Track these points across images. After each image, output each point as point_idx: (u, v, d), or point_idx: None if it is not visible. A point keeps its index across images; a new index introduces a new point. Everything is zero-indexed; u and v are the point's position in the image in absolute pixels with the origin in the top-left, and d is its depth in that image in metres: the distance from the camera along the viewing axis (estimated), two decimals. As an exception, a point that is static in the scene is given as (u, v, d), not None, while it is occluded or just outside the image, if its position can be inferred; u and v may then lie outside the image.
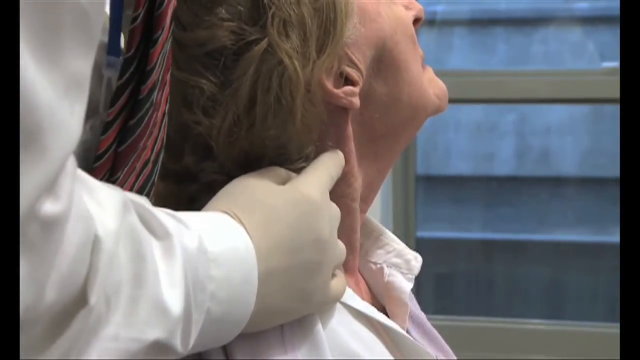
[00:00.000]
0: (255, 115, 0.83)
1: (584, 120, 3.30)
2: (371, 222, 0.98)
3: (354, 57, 0.87)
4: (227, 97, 0.83)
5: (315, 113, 0.85)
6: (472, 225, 3.37)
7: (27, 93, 0.53)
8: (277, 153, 0.85)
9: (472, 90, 2.59)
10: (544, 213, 3.28)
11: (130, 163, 0.75)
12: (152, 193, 0.79)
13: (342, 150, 0.88)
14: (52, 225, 0.56)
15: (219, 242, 0.74)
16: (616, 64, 2.48)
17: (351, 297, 0.87)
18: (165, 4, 0.75)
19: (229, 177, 0.84)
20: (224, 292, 0.73)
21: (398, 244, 0.98)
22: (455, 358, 0.98)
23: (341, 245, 0.85)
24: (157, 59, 0.75)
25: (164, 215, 0.71)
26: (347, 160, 0.88)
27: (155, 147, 0.78)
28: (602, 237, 3.20)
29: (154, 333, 0.66)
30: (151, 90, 0.75)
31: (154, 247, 0.68)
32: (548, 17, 3.12)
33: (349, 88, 0.87)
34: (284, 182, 0.83)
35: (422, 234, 2.88)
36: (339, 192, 0.87)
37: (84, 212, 0.60)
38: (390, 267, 0.96)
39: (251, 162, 0.85)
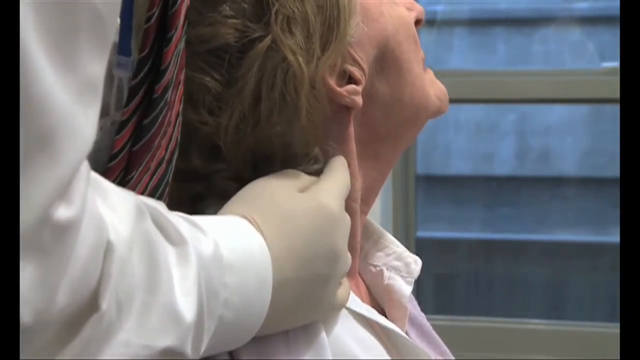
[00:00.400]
0: (261, 112, 0.83)
1: (584, 120, 3.30)
2: (371, 224, 0.98)
3: (356, 56, 0.87)
4: (232, 95, 0.83)
5: (320, 109, 0.85)
6: (472, 225, 3.37)
7: (43, 97, 0.53)
8: (284, 151, 0.85)
9: (472, 90, 2.59)
10: (544, 213, 3.28)
11: (144, 162, 0.75)
12: (166, 192, 0.79)
13: (345, 151, 0.88)
14: (64, 230, 0.56)
15: (235, 249, 0.74)
16: (616, 64, 2.48)
17: (351, 300, 0.87)
18: (179, 2, 0.75)
19: (238, 179, 0.84)
20: (238, 299, 0.73)
21: (398, 247, 0.98)
22: None
23: (348, 255, 0.85)
24: (171, 57, 0.75)
25: (179, 220, 0.71)
26: (348, 162, 0.88)
27: (170, 147, 0.78)
28: (602, 237, 3.20)
29: (165, 340, 0.66)
30: (165, 89, 0.75)
31: (169, 253, 0.67)
32: (548, 17, 3.12)
33: (351, 86, 0.87)
34: (303, 187, 0.83)
35: (422, 234, 2.88)
36: (340, 194, 0.87)
37: (97, 217, 0.60)
38: (390, 270, 0.96)
39: (260, 162, 0.85)
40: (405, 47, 0.91)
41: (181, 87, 0.78)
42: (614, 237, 2.81)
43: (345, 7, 0.85)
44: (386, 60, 0.89)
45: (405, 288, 0.95)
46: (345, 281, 0.85)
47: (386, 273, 0.96)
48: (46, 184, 0.54)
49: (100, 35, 0.57)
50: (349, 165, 0.88)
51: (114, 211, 0.63)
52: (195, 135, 0.85)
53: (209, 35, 0.83)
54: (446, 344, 0.99)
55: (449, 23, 3.25)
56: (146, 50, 0.75)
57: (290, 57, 0.82)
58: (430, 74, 0.95)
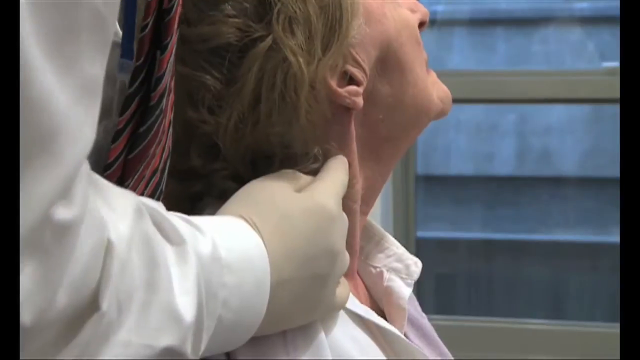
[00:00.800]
0: (260, 112, 0.83)
1: (584, 120, 3.30)
2: (372, 225, 0.98)
3: (358, 57, 0.87)
4: (232, 94, 0.83)
5: (319, 110, 0.84)
6: (472, 225, 3.37)
7: (44, 98, 0.53)
8: (283, 152, 0.85)
9: (472, 90, 2.59)
10: (544, 213, 3.28)
11: (140, 170, 0.75)
12: (160, 201, 0.79)
13: (345, 151, 0.88)
14: (65, 231, 0.56)
15: (233, 249, 0.74)
16: (616, 64, 2.48)
17: (349, 301, 0.87)
18: (174, 10, 0.75)
19: (237, 178, 0.84)
20: (236, 300, 0.73)
21: (398, 248, 0.98)
22: (453, 360, 0.98)
23: (347, 254, 0.85)
24: (167, 65, 0.75)
25: (178, 220, 0.71)
26: (349, 162, 0.88)
27: (164, 155, 0.78)
28: (602, 237, 3.20)
29: (165, 339, 0.66)
30: (161, 97, 0.75)
31: (168, 253, 0.67)
32: (548, 17, 3.12)
33: (352, 88, 0.87)
34: (300, 188, 0.83)
35: (422, 234, 2.88)
36: (340, 194, 0.87)
37: (97, 217, 0.60)
38: (390, 271, 0.96)
39: (259, 161, 0.85)
40: (407, 48, 0.91)
41: (172, 95, 0.78)
42: (614, 237, 2.82)
43: (348, 8, 0.85)
44: (388, 61, 0.89)
45: (404, 290, 0.95)
46: (344, 281, 0.85)
47: (386, 275, 0.96)
48: (47, 185, 0.54)
49: (100, 36, 0.57)
50: (350, 166, 0.88)
51: (114, 211, 0.63)
52: (194, 134, 0.85)
53: (211, 33, 0.83)
54: (446, 344, 0.99)
55: (449, 23, 3.25)
56: (141, 60, 0.74)
57: (291, 57, 0.82)
58: (433, 76, 0.95)
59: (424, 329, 0.98)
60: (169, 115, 0.78)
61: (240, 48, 0.83)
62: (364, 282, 0.97)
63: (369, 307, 0.91)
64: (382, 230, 0.99)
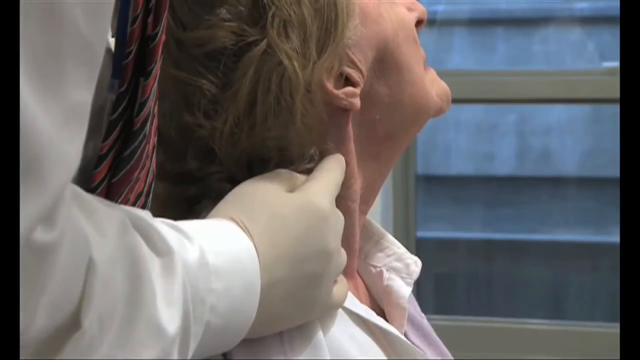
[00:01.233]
0: (256, 116, 0.82)
1: (584, 120, 3.30)
2: (372, 225, 0.98)
3: (354, 58, 0.87)
4: (228, 98, 0.83)
5: (315, 113, 0.84)
6: (472, 225, 3.37)
7: (27, 124, 0.52)
8: (279, 155, 0.84)
9: (472, 90, 2.59)
10: (544, 213, 3.28)
11: (123, 194, 0.75)
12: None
13: (343, 151, 0.88)
14: (45, 253, 0.56)
15: (221, 253, 0.73)
16: (616, 64, 2.48)
17: (349, 300, 0.87)
18: (158, 37, 0.74)
19: (233, 181, 0.84)
20: (225, 304, 0.72)
21: (398, 248, 0.98)
22: (453, 360, 0.98)
23: (343, 253, 0.84)
24: (150, 91, 0.74)
25: (166, 228, 0.70)
26: (347, 162, 0.88)
27: (148, 179, 0.77)
28: (602, 237, 3.20)
29: (149, 353, 0.66)
30: (144, 122, 0.74)
31: (154, 265, 0.67)
32: (548, 17, 3.12)
33: (349, 89, 0.87)
34: (292, 187, 0.83)
35: (422, 234, 2.88)
36: (339, 194, 0.87)
37: (80, 237, 0.60)
38: (390, 270, 0.96)
39: (255, 165, 0.85)
40: (404, 48, 0.90)
41: (156, 120, 0.78)
42: (614, 237, 2.82)
43: (344, 9, 0.84)
44: (385, 62, 0.89)
45: (404, 289, 0.95)
46: (343, 279, 0.85)
47: (386, 274, 0.96)
48: (29, 210, 0.53)
49: (87, 61, 0.57)
50: (348, 165, 0.88)
51: (97, 229, 0.62)
52: (190, 138, 0.85)
53: (206, 38, 0.83)
54: (446, 344, 0.99)
55: (449, 23, 3.25)
56: (124, 87, 0.74)
57: (286, 61, 0.81)
58: (432, 73, 0.94)
59: (423, 329, 0.98)
60: (153, 140, 0.77)
61: (235, 52, 0.82)
62: (364, 282, 0.97)
63: (369, 306, 0.90)
64: (381, 229, 0.99)
